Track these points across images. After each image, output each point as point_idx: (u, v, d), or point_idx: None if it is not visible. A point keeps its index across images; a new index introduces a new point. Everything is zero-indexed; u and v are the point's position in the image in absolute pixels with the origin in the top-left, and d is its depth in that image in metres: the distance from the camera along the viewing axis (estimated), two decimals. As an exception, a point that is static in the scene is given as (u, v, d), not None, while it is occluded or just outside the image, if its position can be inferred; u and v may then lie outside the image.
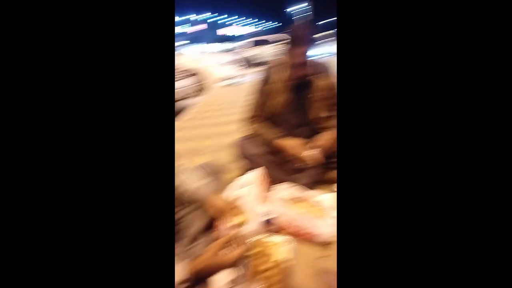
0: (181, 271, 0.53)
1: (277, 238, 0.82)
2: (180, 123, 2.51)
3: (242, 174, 1.07)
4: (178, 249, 0.70)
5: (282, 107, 1.10)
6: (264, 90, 1.13)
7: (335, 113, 1.07)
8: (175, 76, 3.41)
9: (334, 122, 1.08)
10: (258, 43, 8.49)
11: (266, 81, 1.13)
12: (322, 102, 1.08)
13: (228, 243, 0.62)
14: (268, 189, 1.04)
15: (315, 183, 1.08)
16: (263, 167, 1.08)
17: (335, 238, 0.85)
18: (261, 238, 0.76)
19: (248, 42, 8.89)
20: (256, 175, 1.04)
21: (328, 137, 1.05)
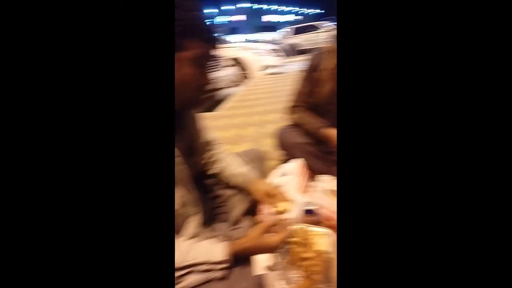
0: (221, 251, 0.55)
1: (318, 229, 0.81)
2: (221, 112, 2.59)
3: (283, 163, 1.07)
4: (219, 230, 0.74)
5: (328, 96, 1.06)
6: (310, 78, 1.09)
7: None
8: (218, 65, 3.50)
9: None
10: (301, 31, 8.19)
11: (312, 69, 1.09)
12: None
13: (270, 227, 0.63)
14: (309, 180, 1.02)
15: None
16: (304, 157, 1.07)
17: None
18: (303, 227, 0.76)
19: (291, 29, 8.64)
20: (296, 165, 1.03)
21: None
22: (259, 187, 0.78)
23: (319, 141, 1.07)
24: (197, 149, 0.72)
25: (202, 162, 0.78)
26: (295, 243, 0.71)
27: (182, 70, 0.50)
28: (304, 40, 7.59)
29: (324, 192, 0.95)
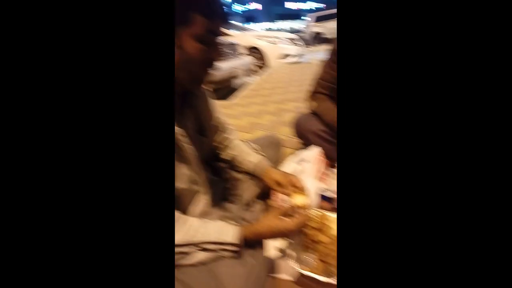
0: (232, 234, 0.54)
1: (334, 215, 0.78)
2: (237, 100, 2.58)
3: (300, 150, 1.04)
4: (230, 212, 0.73)
5: None
6: (332, 66, 1.04)
7: None
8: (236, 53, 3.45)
9: None
10: (322, 19, 7.88)
11: (332, 54, 1.03)
12: None
13: (284, 213, 0.62)
14: (327, 168, 0.99)
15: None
16: (322, 145, 1.03)
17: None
18: (319, 212, 0.74)
19: (312, 17, 8.33)
20: (313, 153, 1.00)
21: None
22: (272, 175, 0.76)
23: (336, 128, 1.03)
24: (207, 129, 0.71)
25: (213, 144, 0.77)
26: (310, 227, 0.70)
27: (188, 45, 0.48)
28: (325, 28, 7.31)
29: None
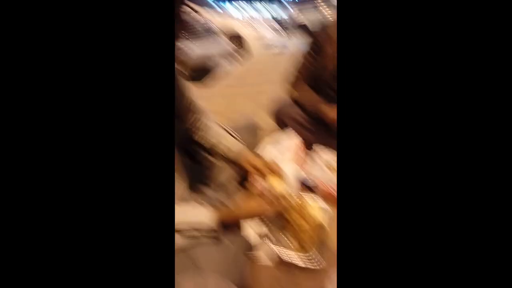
0: (210, 218, 0.53)
1: (313, 200, 0.79)
2: (216, 86, 2.51)
3: (279, 136, 1.03)
4: (208, 197, 0.71)
5: (330, 71, 1.00)
6: (313, 54, 1.03)
7: None
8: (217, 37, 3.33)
9: None
10: (304, 5, 7.81)
11: (316, 44, 1.02)
12: None
13: (261, 196, 0.61)
14: (306, 154, 0.99)
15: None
16: (301, 132, 1.03)
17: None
18: (297, 197, 0.74)
19: (294, 4, 8.24)
20: (293, 139, 1.00)
21: None
22: (250, 160, 0.74)
23: (317, 116, 1.03)
24: (181, 112, 0.67)
25: (188, 127, 0.74)
26: (289, 212, 0.70)
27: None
28: (307, 15, 7.27)
29: (322, 166, 0.92)
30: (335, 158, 0.95)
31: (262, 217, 0.63)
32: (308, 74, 1.06)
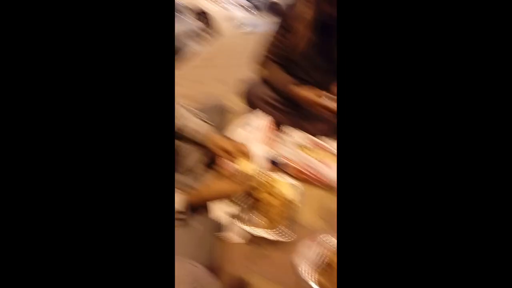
0: (178, 202, 0.52)
1: (283, 178, 0.81)
2: (186, 70, 2.40)
3: (249, 117, 1.03)
4: (176, 181, 0.70)
5: (301, 51, 0.99)
6: (283, 33, 1.00)
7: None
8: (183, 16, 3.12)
9: None
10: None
11: (286, 23, 0.99)
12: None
13: (230, 178, 0.61)
14: (276, 134, 1.00)
15: (326, 132, 1.03)
16: (271, 112, 1.03)
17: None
18: (266, 175, 0.76)
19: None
20: (263, 119, 1.00)
21: None
22: (218, 142, 0.73)
23: (287, 96, 1.03)
24: None
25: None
26: (259, 191, 0.71)
27: None
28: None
29: (293, 146, 0.94)
30: (305, 137, 0.97)
31: (231, 198, 0.64)
32: (278, 53, 1.04)
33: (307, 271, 0.59)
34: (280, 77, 1.04)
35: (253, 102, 1.08)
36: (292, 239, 0.68)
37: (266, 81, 1.08)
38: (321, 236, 0.65)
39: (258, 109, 1.06)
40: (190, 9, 3.61)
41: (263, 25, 4.24)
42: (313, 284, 0.56)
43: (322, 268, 0.59)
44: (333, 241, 0.63)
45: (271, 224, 0.70)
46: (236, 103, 1.17)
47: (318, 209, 0.80)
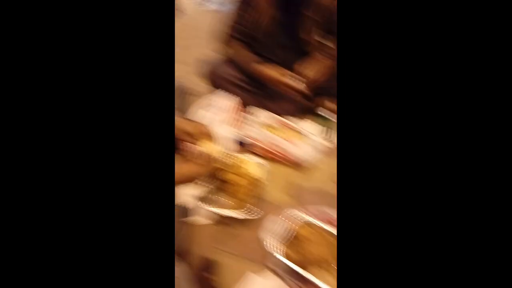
0: None
1: (250, 157, 0.81)
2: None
3: (213, 97, 0.99)
4: None
5: (264, 28, 0.96)
6: (246, 10, 0.95)
7: (332, 38, 0.95)
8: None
9: (327, 49, 0.96)
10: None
11: (251, 2, 0.94)
12: (316, 22, 0.93)
13: (193, 161, 0.59)
14: (241, 114, 0.99)
15: (293, 112, 1.04)
16: (235, 92, 1.01)
17: (310, 160, 0.86)
18: (232, 156, 0.75)
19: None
20: (227, 99, 0.97)
21: (317, 68, 0.95)
22: (180, 125, 0.70)
23: (251, 76, 1.01)
24: None
25: None
26: (226, 172, 0.70)
27: None
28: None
29: (259, 125, 0.94)
30: (271, 117, 0.97)
31: (196, 181, 0.62)
32: (241, 31, 1.00)
33: (273, 245, 0.60)
34: (244, 55, 1.01)
35: (216, 82, 1.05)
36: (260, 216, 0.69)
37: (229, 60, 1.04)
38: (287, 211, 0.66)
39: (221, 89, 1.02)
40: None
41: (227, 2, 4.05)
42: (279, 256, 0.59)
43: (289, 241, 0.62)
44: (299, 214, 0.65)
45: (239, 204, 0.70)
46: (199, 84, 1.12)
47: (285, 186, 0.82)
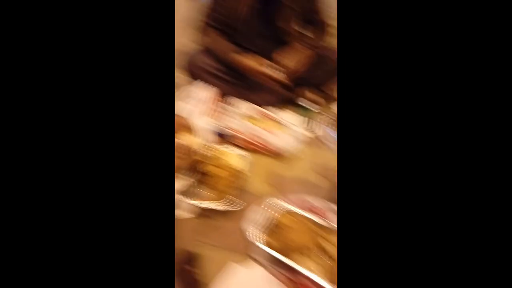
0: None
1: (230, 149, 0.80)
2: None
3: (191, 89, 0.96)
4: None
5: (242, 17, 0.93)
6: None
7: (311, 27, 0.94)
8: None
9: (307, 39, 0.95)
10: None
11: None
12: (295, 11, 0.92)
13: (175, 153, 0.57)
14: (220, 106, 0.97)
15: (273, 102, 1.03)
16: (214, 82, 0.98)
17: (291, 151, 0.87)
18: (212, 148, 0.73)
19: None
20: (205, 91, 0.95)
21: (297, 58, 0.94)
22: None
23: (229, 66, 0.99)
24: None
25: None
26: (206, 164, 0.69)
27: None
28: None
29: (240, 117, 0.92)
30: (251, 108, 0.96)
31: (176, 174, 0.61)
32: (219, 20, 0.97)
33: (254, 234, 0.61)
34: (222, 45, 0.98)
35: (194, 73, 1.01)
36: (242, 207, 0.69)
37: (207, 50, 1.01)
38: (267, 200, 0.67)
39: (200, 80, 0.99)
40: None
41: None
42: (260, 245, 0.59)
43: (270, 230, 0.62)
44: (280, 203, 0.66)
45: (220, 196, 0.69)
46: (176, 74, 1.08)
47: (267, 176, 0.83)
